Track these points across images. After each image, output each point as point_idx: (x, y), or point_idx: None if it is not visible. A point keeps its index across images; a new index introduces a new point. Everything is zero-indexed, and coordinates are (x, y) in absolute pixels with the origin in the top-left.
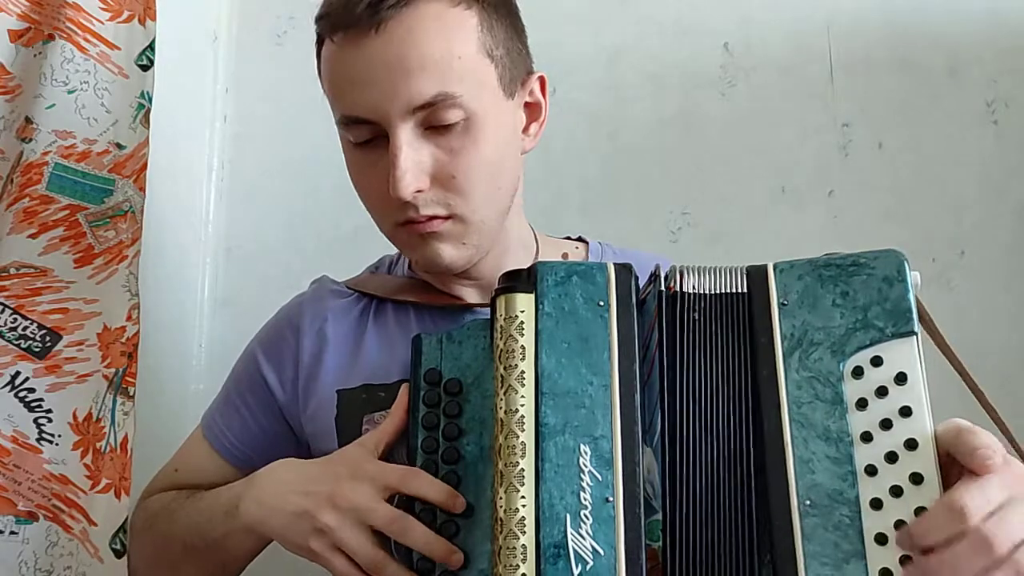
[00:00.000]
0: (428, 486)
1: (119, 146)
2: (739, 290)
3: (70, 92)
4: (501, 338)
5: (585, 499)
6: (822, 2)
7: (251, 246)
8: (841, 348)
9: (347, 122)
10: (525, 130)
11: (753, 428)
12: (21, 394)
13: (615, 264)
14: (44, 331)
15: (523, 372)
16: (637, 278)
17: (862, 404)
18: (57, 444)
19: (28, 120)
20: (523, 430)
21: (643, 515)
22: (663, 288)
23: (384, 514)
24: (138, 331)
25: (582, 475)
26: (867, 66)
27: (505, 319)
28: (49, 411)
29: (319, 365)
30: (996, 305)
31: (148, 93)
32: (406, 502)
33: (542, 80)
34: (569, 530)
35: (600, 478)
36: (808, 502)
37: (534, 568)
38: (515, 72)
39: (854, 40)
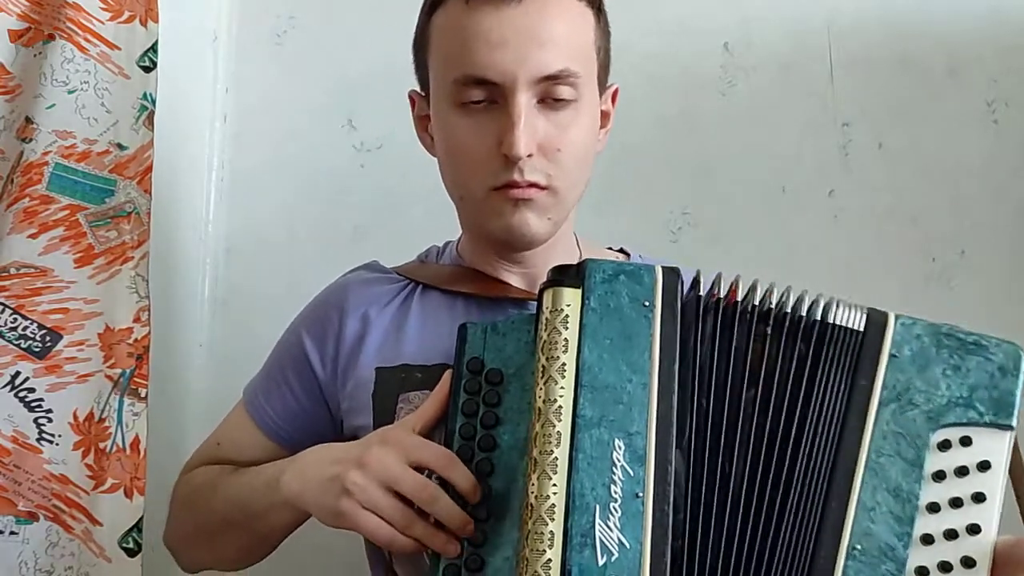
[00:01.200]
0: (460, 474)
1: (120, 146)
2: (855, 327)
3: (70, 92)
4: (545, 330)
5: (615, 492)
6: (822, 2)
7: (251, 246)
8: (937, 417)
9: (468, 81)
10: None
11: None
12: (21, 394)
13: (663, 267)
14: (44, 331)
15: (564, 364)
16: (683, 282)
17: (939, 476)
18: (57, 444)
19: (28, 120)
20: (560, 420)
21: (671, 513)
22: (742, 299)
23: (413, 481)
24: (148, 333)
25: (614, 469)
26: (867, 66)
27: (551, 312)
28: (49, 411)
29: (360, 347)
30: (996, 305)
31: (151, 95)
32: (440, 481)
33: (615, 92)
34: (597, 520)
35: (632, 473)
36: (859, 547)
37: (560, 554)
38: (605, 76)
39: (854, 39)
